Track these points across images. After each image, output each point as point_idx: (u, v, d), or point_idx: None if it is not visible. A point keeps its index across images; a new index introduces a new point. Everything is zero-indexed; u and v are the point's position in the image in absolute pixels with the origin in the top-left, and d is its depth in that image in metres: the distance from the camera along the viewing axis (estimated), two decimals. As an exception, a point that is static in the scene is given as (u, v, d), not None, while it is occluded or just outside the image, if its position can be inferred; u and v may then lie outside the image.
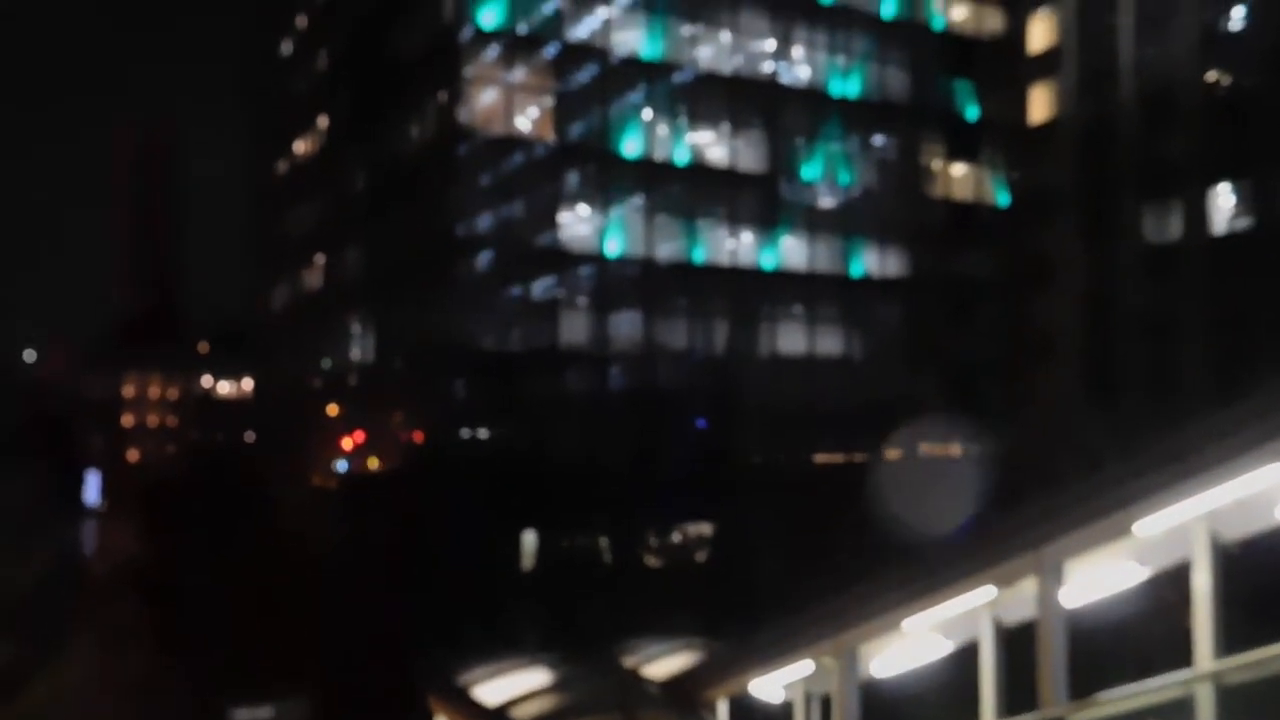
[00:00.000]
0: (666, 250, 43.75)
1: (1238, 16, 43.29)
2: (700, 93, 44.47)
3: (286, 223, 62.95)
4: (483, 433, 41.66)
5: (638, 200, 43.35)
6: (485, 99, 41.52)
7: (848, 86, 47.90)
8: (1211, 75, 43.74)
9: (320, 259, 58.05)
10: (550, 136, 42.33)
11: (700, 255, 44.37)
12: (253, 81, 71.28)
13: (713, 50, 45.21)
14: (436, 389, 41.61)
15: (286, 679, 22.90)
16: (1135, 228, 45.02)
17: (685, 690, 9.70)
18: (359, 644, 25.70)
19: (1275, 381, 5.39)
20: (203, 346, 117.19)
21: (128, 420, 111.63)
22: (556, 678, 10.16)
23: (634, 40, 43.40)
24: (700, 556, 42.22)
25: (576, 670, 10.38)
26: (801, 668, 8.53)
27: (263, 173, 67.78)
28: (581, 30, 42.65)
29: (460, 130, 40.50)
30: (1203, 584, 5.66)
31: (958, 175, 51.76)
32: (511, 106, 41.99)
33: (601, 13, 42.87)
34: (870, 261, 48.44)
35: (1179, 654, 5.78)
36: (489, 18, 40.50)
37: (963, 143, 51.22)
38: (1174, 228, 44.12)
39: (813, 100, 47.08)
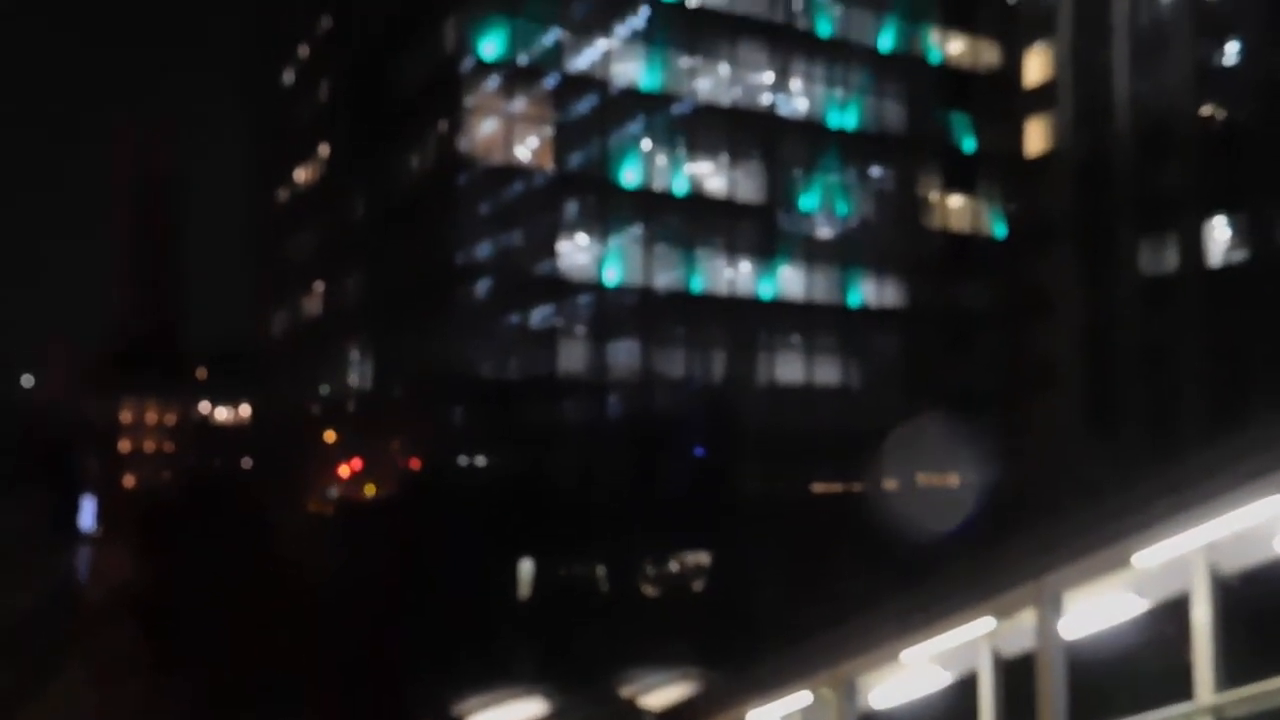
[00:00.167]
0: (665, 279, 43.88)
1: (1231, 51, 43.74)
2: (699, 124, 44.77)
3: (287, 250, 63.17)
4: (480, 460, 41.61)
5: (636, 230, 43.53)
6: (485, 129, 41.78)
7: (845, 118, 48.23)
8: (1206, 109, 44.12)
9: (320, 286, 58.19)
10: (550, 166, 42.55)
11: (698, 285, 44.49)
12: (255, 110, 71.83)
13: (711, 82, 45.55)
14: (434, 416, 41.57)
15: (282, 707, 22.74)
16: (1132, 259, 45.25)
17: (683, 721, 9.64)
18: (355, 671, 25.53)
19: (1273, 414, 5.41)
20: (201, 372, 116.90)
21: (124, 446, 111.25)
22: (552, 708, 10.11)
23: (633, 71, 43.73)
24: (698, 586, 42.01)
25: (572, 700, 10.34)
26: (799, 699, 8.48)
27: (264, 200, 68.16)
28: (581, 61, 42.99)
29: (460, 159, 40.73)
30: (1202, 616, 5.65)
31: (955, 206, 51.99)
32: (511, 136, 42.24)
33: (601, 44, 43.24)
34: (868, 292, 48.57)
35: (1178, 687, 5.77)
36: (490, 49, 40.82)
37: (960, 174, 51.50)
38: (1170, 259, 44.35)
39: (811, 132, 47.39)
